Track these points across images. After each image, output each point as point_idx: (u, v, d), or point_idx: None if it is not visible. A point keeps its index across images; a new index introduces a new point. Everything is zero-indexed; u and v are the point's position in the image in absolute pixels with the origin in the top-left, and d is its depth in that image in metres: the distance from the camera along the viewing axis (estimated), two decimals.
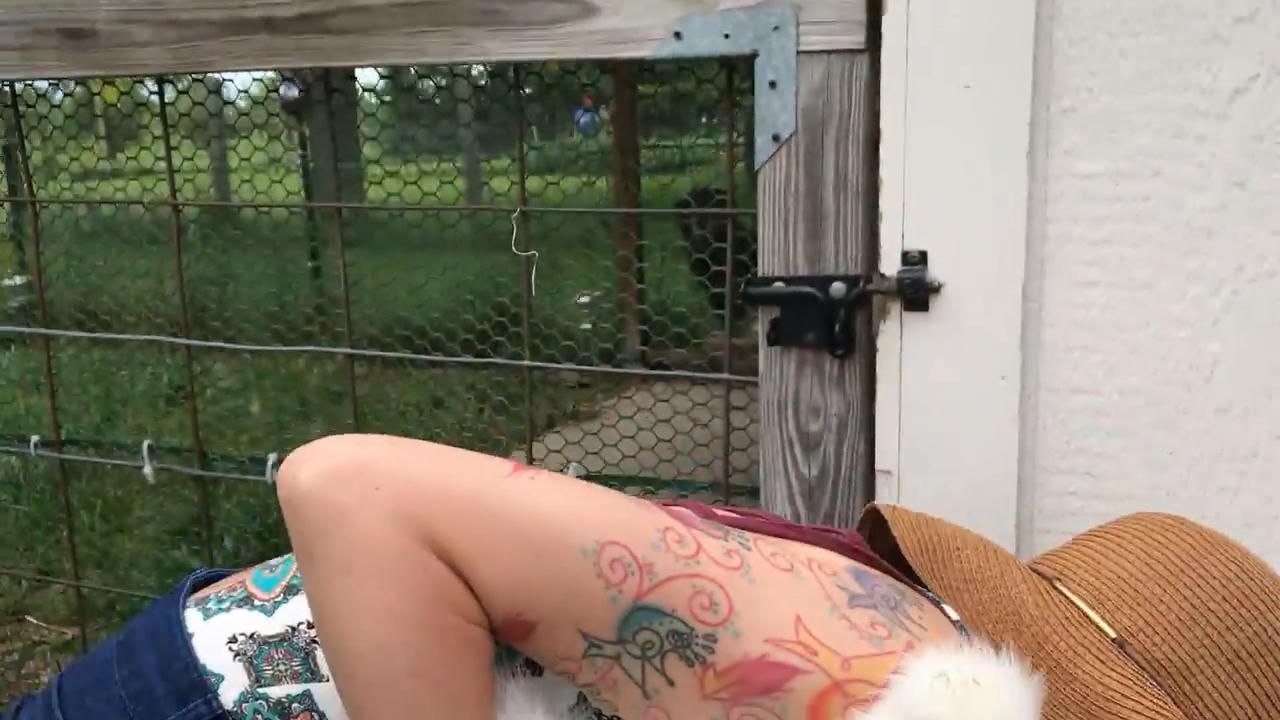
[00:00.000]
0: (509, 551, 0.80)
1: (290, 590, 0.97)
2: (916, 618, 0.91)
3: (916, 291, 1.31)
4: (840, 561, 0.93)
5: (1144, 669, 0.95)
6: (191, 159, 2.18)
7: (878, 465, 1.38)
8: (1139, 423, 1.28)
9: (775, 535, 0.95)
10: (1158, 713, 0.91)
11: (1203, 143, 1.21)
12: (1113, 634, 0.96)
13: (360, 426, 1.80)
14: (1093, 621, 0.97)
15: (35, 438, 2.05)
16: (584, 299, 3.72)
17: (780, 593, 0.85)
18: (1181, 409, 1.27)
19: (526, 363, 1.63)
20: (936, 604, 0.99)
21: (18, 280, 4.21)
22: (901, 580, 0.99)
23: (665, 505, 0.93)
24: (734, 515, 0.98)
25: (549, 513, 0.82)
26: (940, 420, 1.35)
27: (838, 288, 1.35)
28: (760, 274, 1.39)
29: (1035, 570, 1.04)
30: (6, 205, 3.56)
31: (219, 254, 4.42)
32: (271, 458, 1.86)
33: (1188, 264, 1.24)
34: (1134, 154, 1.23)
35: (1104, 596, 0.98)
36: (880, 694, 0.83)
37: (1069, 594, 1.00)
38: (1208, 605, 0.96)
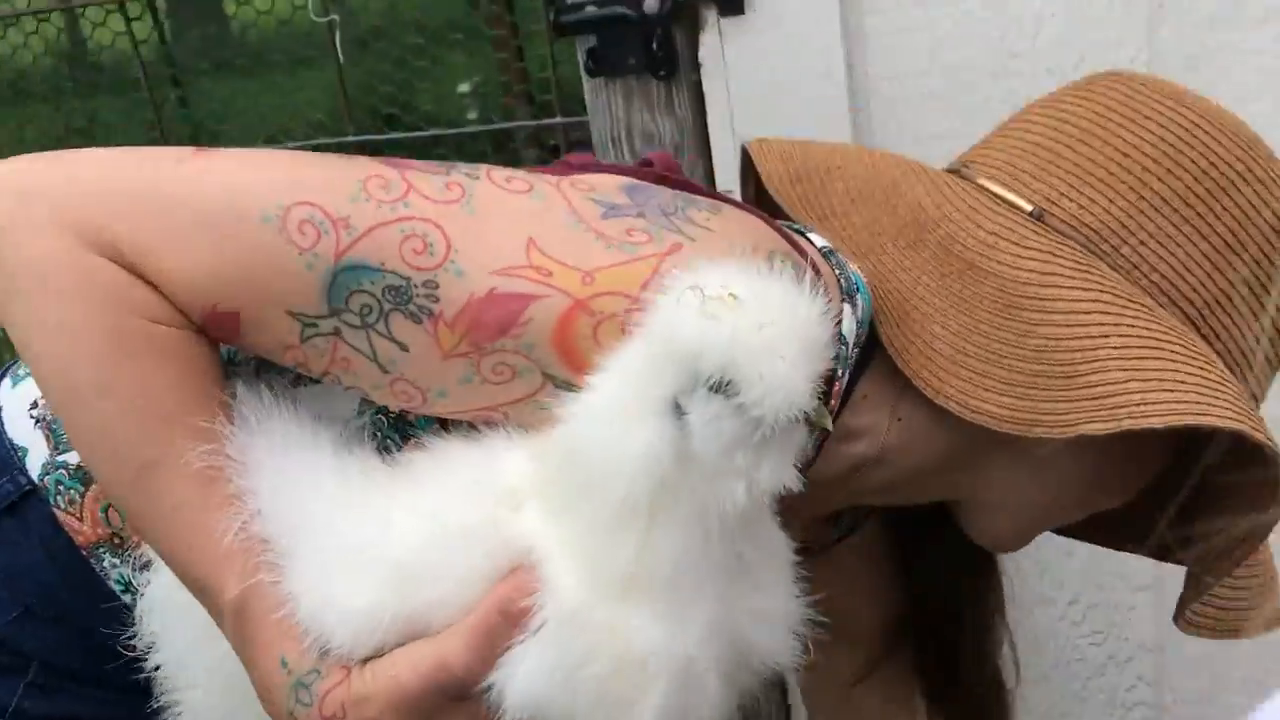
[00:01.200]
0: (184, 237, 0.70)
1: None
2: (702, 220, 0.76)
3: None
4: (613, 180, 0.79)
5: (1071, 239, 0.82)
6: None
7: (719, 187, 1.34)
8: (973, 98, 1.25)
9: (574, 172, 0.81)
10: (1087, 282, 0.78)
11: None
12: (1029, 208, 0.83)
13: None
14: (1006, 201, 0.84)
15: None
16: (464, 88, 3.58)
17: (510, 217, 0.72)
18: (1013, 72, 1.23)
19: (350, 138, 1.56)
20: (800, 234, 0.86)
21: None
22: (715, 197, 0.83)
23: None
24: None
25: (226, 187, 0.71)
26: (773, 128, 1.30)
27: (650, 4, 1.27)
28: (570, 1, 1.31)
29: (947, 170, 0.92)
30: None
31: (81, 103, 4.20)
32: None
33: None
34: None
35: (1019, 170, 0.85)
36: (635, 303, 0.70)
37: (980, 180, 0.87)
38: (1142, 150, 0.82)
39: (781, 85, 1.28)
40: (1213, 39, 1.16)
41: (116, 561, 0.86)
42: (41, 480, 0.86)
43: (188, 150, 0.73)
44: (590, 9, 1.29)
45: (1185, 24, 1.16)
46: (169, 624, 0.80)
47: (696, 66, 1.30)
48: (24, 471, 0.86)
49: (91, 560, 0.86)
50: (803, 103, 1.28)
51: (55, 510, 0.86)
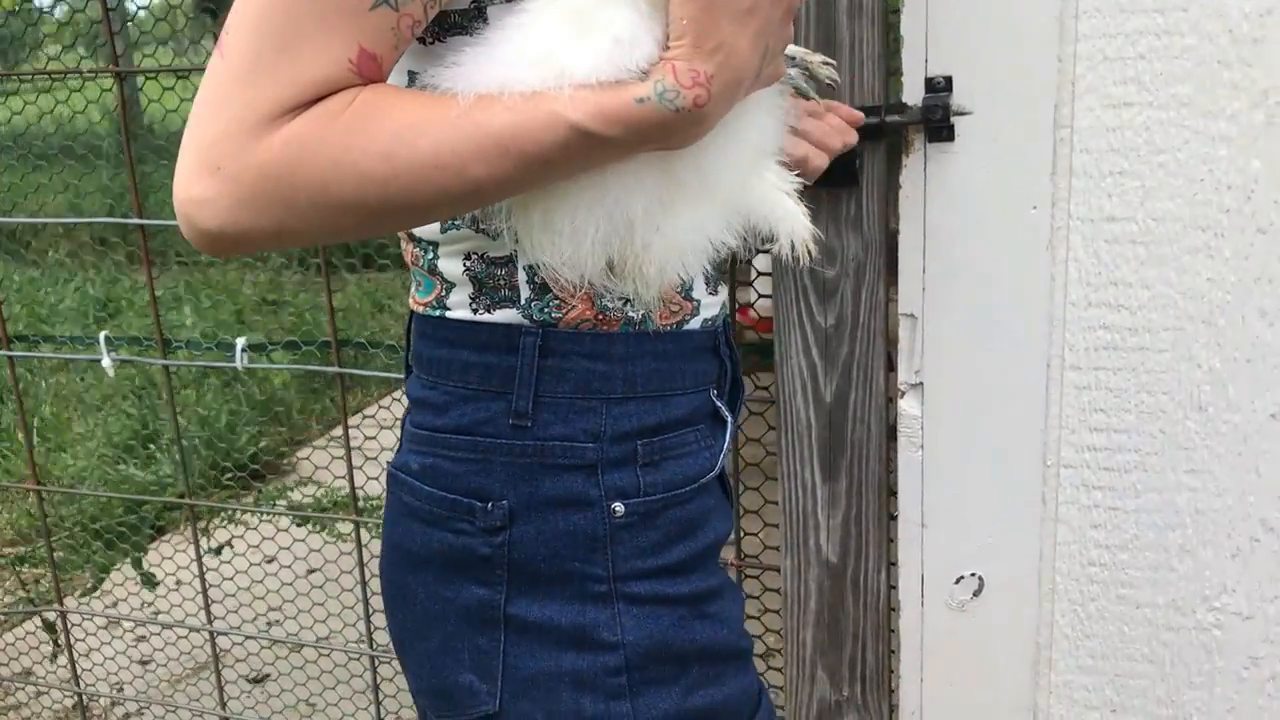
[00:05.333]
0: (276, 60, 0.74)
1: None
2: None
3: (942, 120, 1.24)
4: None
5: None
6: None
7: (900, 309, 1.32)
8: (1176, 249, 1.23)
9: None
10: None
11: None
12: None
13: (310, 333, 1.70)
14: None
15: None
16: None
17: None
18: (1219, 232, 1.22)
19: None
20: None
21: None
22: None
23: None
24: None
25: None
26: (966, 257, 1.29)
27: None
28: None
29: None
30: None
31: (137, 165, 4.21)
32: (241, 342, 1.76)
33: (1228, 76, 1.17)
34: None
35: None
36: None
37: None
38: None
39: (979, 216, 1.27)
40: None
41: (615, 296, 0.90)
42: (529, 316, 0.90)
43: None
44: None
45: None
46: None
47: (892, 187, 1.29)
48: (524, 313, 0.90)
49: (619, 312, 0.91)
50: (1000, 237, 1.26)
51: (558, 326, 0.89)
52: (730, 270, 1.55)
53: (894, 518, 1.40)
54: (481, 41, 0.78)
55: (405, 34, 0.76)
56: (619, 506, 0.89)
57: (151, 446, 3.87)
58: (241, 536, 2.48)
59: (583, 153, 0.76)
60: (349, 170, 0.73)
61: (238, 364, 1.71)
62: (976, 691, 1.42)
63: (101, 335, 1.80)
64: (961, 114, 1.24)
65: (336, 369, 1.74)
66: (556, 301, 0.89)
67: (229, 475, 3.47)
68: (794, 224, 0.91)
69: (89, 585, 2.68)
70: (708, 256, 0.89)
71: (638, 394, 0.90)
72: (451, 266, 0.91)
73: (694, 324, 0.95)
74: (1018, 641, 1.39)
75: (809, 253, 0.91)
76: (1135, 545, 1.33)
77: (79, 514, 2.72)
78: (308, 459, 3.24)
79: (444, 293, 0.92)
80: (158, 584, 2.46)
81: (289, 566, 2.38)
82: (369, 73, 0.75)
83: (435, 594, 0.92)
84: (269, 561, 2.65)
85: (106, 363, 1.79)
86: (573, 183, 0.81)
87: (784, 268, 1.35)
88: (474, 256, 0.90)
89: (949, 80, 1.23)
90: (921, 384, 1.34)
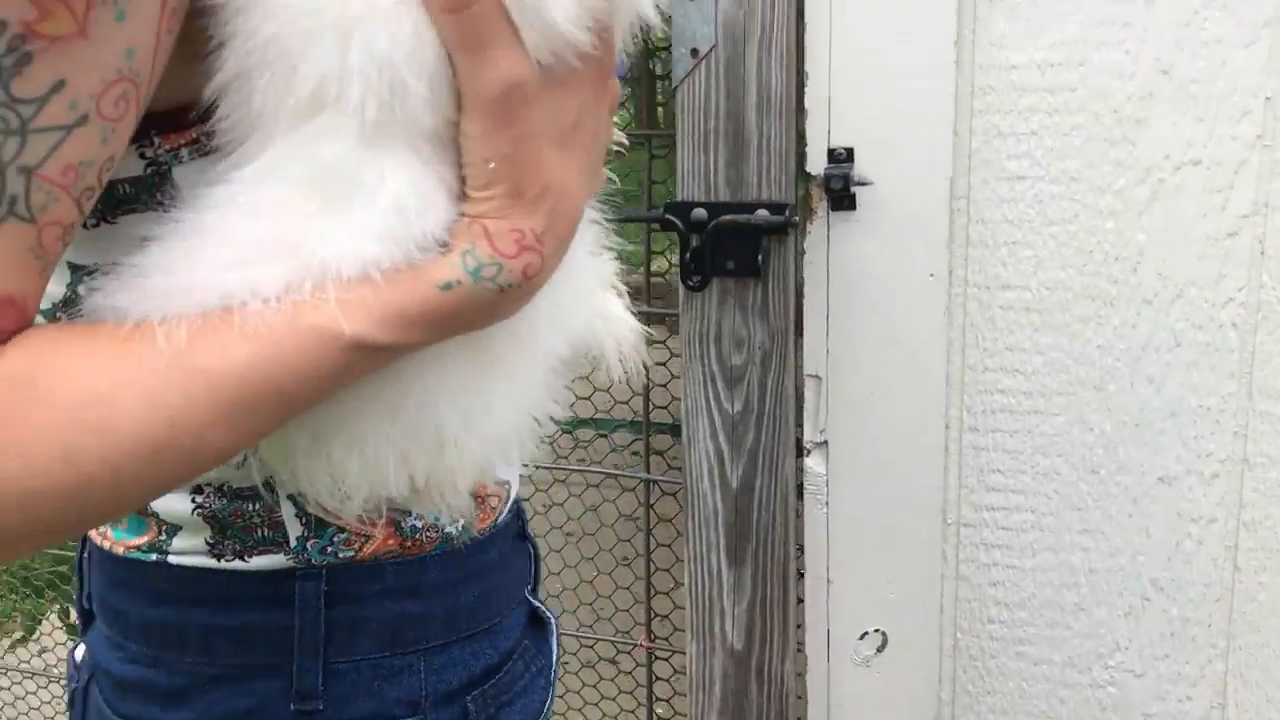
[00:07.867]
0: None
1: None
2: None
3: (843, 190, 1.28)
4: None
5: None
6: None
7: (805, 369, 1.36)
8: (1068, 317, 1.28)
9: None
10: None
11: (1129, 29, 1.19)
12: None
13: None
14: None
15: None
16: None
17: None
18: (1108, 302, 1.26)
19: None
20: None
21: None
22: None
23: None
24: None
25: None
26: (868, 321, 1.33)
27: (761, 214, 1.29)
28: (679, 199, 1.33)
29: None
30: None
31: None
32: None
33: (1114, 153, 1.22)
34: (1061, 43, 1.21)
35: None
36: None
37: None
38: None
39: (880, 282, 1.31)
40: None
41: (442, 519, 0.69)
42: (306, 560, 0.66)
43: None
44: (699, 211, 1.30)
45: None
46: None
47: (799, 277, 1.32)
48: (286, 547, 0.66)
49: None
50: (899, 302, 1.30)
51: (338, 558, 0.66)
52: None
53: (801, 576, 1.43)
54: (173, 226, 0.54)
55: (54, 248, 0.50)
56: None
57: None
58: None
59: (370, 369, 0.55)
60: (12, 490, 0.47)
61: None
62: None
63: None
64: (863, 184, 1.28)
65: None
66: (344, 537, 0.66)
67: None
68: (618, 331, 0.73)
69: None
70: (536, 438, 0.67)
71: (462, 634, 0.69)
72: (174, 505, 0.66)
73: (506, 511, 0.75)
74: (921, 697, 1.42)
75: (644, 366, 0.75)
76: (1032, 603, 1.36)
77: None
78: None
79: (163, 536, 0.66)
80: None
81: None
82: (6, 322, 0.49)
83: None
84: None
85: None
86: (355, 391, 0.57)
87: (691, 351, 1.37)
88: (208, 490, 0.65)
89: (850, 151, 1.28)
90: (826, 443, 1.37)
